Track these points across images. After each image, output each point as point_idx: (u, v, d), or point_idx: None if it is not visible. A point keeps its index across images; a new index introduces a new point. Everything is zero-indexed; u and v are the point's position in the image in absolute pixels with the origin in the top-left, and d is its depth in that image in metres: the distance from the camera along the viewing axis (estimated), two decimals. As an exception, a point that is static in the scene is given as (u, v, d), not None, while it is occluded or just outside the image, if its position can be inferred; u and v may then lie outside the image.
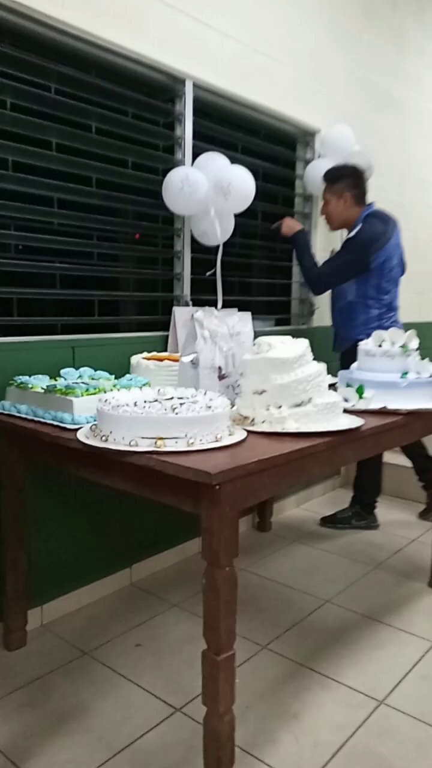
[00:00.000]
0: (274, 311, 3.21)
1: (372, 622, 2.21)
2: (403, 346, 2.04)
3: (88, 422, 1.63)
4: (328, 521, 3.09)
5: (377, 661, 1.98)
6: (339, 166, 2.83)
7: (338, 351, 2.92)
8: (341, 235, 3.15)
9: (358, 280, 2.73)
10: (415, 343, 2.08)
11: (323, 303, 3.36)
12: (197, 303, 2.53)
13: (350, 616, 2.25)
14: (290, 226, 2.82)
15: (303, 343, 1.67)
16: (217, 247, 2.44)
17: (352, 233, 2.73)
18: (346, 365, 2.60)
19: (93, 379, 1.91)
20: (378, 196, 3.36)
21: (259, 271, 3.22)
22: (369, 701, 1.78)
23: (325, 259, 2.86)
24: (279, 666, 1.94)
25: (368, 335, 2.69)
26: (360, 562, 2.69)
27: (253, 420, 1.62)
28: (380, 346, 2.07)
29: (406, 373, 2.00)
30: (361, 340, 2.72)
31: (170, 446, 1.38)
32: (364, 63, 3.49)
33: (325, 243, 3.24)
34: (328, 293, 2.92)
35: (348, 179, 2.76)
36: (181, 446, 1.39)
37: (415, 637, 2.11)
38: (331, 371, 2.09)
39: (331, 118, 3.16)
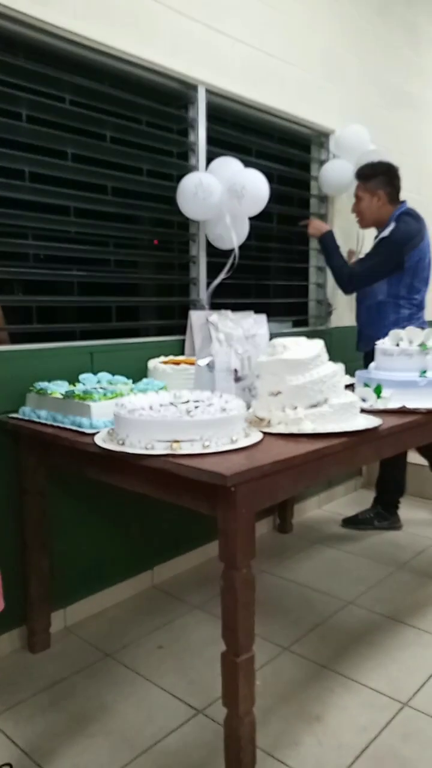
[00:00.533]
0: (292, 313, 3.21)
1: (395, 624, 2.19)
2: (421, 345, 2.03)
3: (105, 426, 1.65)
4: (349, 522, 3.07)
5: (401, 662, 1.96)
6: (373, 163, 2.79)
7: (363, 351, 2.89)
8: (359, 235, 3.13)
9: (391, 279, 2.72)
10: (432, 341, 2.06)
11: (341, 304, 3.35)
12: (214, 307, 2.54)
13: (373, 617, 2.23)
14: (317, 227, 2.84)
15: (318, 344, 1.67)
16: (232, 250, 2.45)
17: (387, 232, 2.70)
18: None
19: (111, 383, 1.94)
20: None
21: (276, 273, 3.22)
22: (393, 703, 1.76)
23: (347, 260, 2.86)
24: (301, 668, 1.94)
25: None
26: (382, 563, 2.67)
27: (269, 422, 1.62)
28: (398, 345, 2.06)
29: (425, 372, 1.98)
30: None
31: (186, 449, 1.39)
32: (378, 61, 3.47)
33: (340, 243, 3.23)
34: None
35: (382, 177, 2.74)
36: (197, 449, 1.40)
37: (439, 639, 2.09)
38: (349, 371, 2.09)
39: (345, 118, 3.15)
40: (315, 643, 2.07)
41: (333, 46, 3.11)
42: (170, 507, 2.43)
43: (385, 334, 2.69)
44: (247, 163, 2.41)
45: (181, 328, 2.48)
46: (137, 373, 2.21)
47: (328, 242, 2.80)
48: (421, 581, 2.51)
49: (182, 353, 2.44)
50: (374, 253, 2.73)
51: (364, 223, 2.86)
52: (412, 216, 2.74)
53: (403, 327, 2.54)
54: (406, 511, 3.16)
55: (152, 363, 2.17)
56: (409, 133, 3.80)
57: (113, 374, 2.02)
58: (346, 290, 2.84)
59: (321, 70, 3.05)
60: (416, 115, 3.88)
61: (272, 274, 3.21)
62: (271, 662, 1.95)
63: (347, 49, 3.21)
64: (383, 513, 3.04)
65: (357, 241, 3.18)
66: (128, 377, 2.01)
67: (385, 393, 1.90)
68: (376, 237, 2.81)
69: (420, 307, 2.80)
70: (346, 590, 2.43)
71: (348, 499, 3.51)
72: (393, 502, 3.05)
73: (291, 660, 1.98)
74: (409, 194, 3.46)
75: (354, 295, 2.96)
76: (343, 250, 3.08)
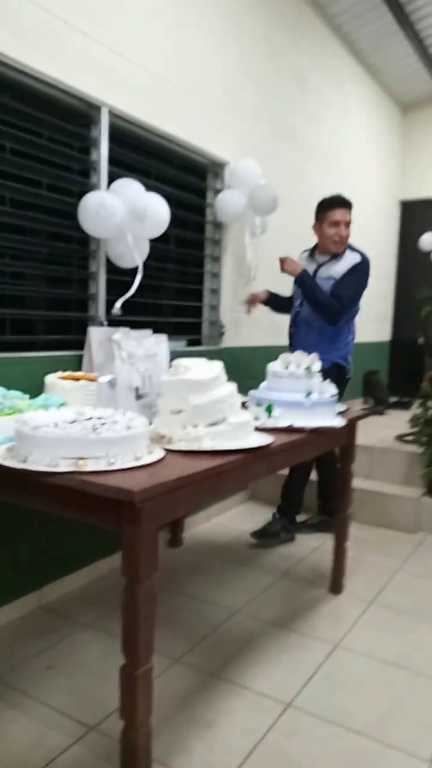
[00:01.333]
0: (186, 332, 3.31)
1: (279, 629, 2.33)
2: (307, 369, 2.20)
3: (2, 443, 1.62)
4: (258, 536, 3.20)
5: (284, 665, 2.09)
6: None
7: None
8: (251, 264, 3.32)
9: None
10: (317, 365, 2.25)
11: (232, 324, 3.51)
12: (112, 324, 2.57)
13: (259, 624, 2.36)
14: (293, 267, 2.98)
15: (218, 366, 1.77)
16: (135, 269, 2.50)
17: (355, 259, 2.95)
18: None
19: (5, 398, 1.90)
20: (279, 226, 3.59)
21: (171, 294, 3.31)
22: (277, 705, 1.88)
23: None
24: (192, 678, 2.00)
25: (346, 356, 3.00)
26: (267, 573, 2.82)
27: (170, 439, 1.69)
28: (287, 368, 2.22)
29: (310, 393, 2.16)
30: (341, 362, 3.02)
31: (91, 466, 1.42)
32: (271, 101, 3.72)
33: (230, 276, 3.39)
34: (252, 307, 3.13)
35: None
36: (102, 466, 1.43)
37: (318, 641, 2.25)
38: (241, 391, 2.21)
39: (240, 152, 3.34)
40: (205, 652, 2.15)
41: (231, 84, 3.30)
42: (57, 526, 2.42)
43: (337, 357, 3.00)
44: (146, 186, 2.48)
45: (79, 344, 2.48)
46: (32, 388, 2.18)
47: (306, 279, 2.97)
48: (302, 588, 2.69)
49: (80, 369, 2.44)
50: (352, 281, 2.94)
51: (342, 247, 3.02)
52: None
53: (349, 348, 2.90)
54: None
55: (50, 378, 2.15)
56: (296, 170, 4.10)
57: (8, 389, 1.98)
58: (335, 320, 2.95)
59: (219, 105, 3.22)
60: (302, 153, 4.19)
61: (167, 293, 3.30)
62: (163, 674, 2.00)
63: (243, 88, 3.42)
64: (288, 526, 3.20)
65: (250, 270, 3.37)
66: (24, 392, 1.98)
67: (275, 412, 2.05)
68: (321, 264, 3.03)
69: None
70: (234, 600, 2.54)
71: (236, 512, 3.65)
72: (293, 514, 3.24)
73: (182, 670, 2.04)
74: (295, 226, 3.73)
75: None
76: (235, 278, 3.25)
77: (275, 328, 3.96)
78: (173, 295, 3.30)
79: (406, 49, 4.94)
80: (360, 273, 2.97)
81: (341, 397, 2.56)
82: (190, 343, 3.30)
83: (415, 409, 3.58)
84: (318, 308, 2.95)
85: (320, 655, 2.16)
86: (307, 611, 2.48)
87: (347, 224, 3.00)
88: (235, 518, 3.54)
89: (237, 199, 3.18)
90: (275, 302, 3.32)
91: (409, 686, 2.00)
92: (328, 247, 3.02)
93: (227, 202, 3.19)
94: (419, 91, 5.77)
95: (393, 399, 5.41)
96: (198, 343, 3.40)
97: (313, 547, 3.14)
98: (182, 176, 3.11)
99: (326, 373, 2.86)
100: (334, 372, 2.92)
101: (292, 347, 3.07)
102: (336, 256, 3.01)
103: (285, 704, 1.88)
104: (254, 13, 3.47)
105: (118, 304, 2.48)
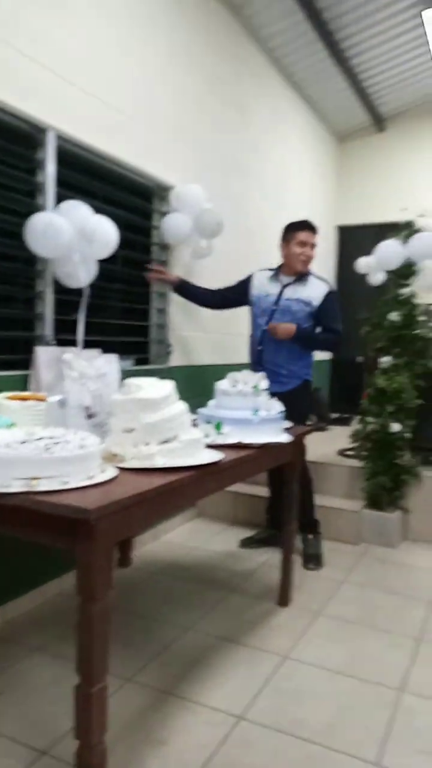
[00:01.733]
0: (133, 351, 3.33)
1: (229, 644, 2.36)
2: (254, 387, 2.28)
3: None
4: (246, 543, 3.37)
5: (236, 679, 2.12)
6: None
7: (279, 391, 2.92)
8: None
9: (317, 321, 3.13)
10: (264, 384, 2.33)
11: (181, 344, 3.57)
12: (59, 343, 2.57)
13: (210, 640, 2.38)
14: (286, 330, 3.03)
15: (169, 385, 1.81)
16: (81, 289, 2.52)
17: (331, 288, 3.17)
18: (297, 405, 2.87)
19: None
20: (224, 250, 3.69)
21: (118, 313, 3.33)
22: (229, 718, 1.91)
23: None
24: (145, 696, 2.00)
25: (310, 371, 3.17)
26: (216, 589, 2.85)
27: (122, 457, 1.71)
28: (235, 386, 2.29)
29: (257, 411, 2.23)
30: (309, 377, 3.16)
31: (44, 486, 1.42)
32: (214, 127, 3.84)
33: (178, 296, 3.45)
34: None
35: None
36: (55, 485, 1.44)
37: (268, 654, 2.30)
38: (190, 409, 2.25)
39: (186, 176, 3.43)
40: (157, 670, 2.16)
41: (176, 111, 3.40)
42: (1, 548, 2.37)
43: (305, 374, 3.15)
44: (94, 207, 2.52)
45: (24, 364, 2.47)
46: (-21, 408, 2.15)
47: (304, 334, 3.07)
48: (251, 602, 2.73)
49: (26, 389, 2.42)
50: (336, 310, 3.14)
51: (307, 267, 3.19)
52: None
53: (313, 361, 3.06)
54: (232, 537, 3.42)
55: (-3, 398, 2.13)
56: (238, 197, 4.23)
57: None
58: (339, 350, 3.32)
59: (165, 131, 3.31)
60: (245, 179, 4.34)
61: (114, 313, 3.32)
62: (115, 694, 1.99)
63: (188, 115, 3.52)
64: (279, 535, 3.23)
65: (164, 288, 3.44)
66: (-29, 413, 1.96)
67: (224, 429, 2.11)
68: (286, 285, 3.14)
69: None
70: (185, 618, 2.56)
71: (184, 530, 3.67)
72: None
73: (134, 689, 2.04)
74: (236, 250, 3.85)
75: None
76: (183, 299, 3.31)
77: (222, 347, 4.05)
78: (120, 314, 3.33)
79: (341, 83, 5.22)
80: (338, 301, 3.19)
81: (311, 409, 2.70)
82: (138, 362, 3.32)
83: (356, 425, 3.73)
84: (324, 347, 3.25)
85: (270, 667, 2.21)
86: (256, 625, 2.53)
87: (312, 246, 3.17)
88: (183, 535, 3.56)
89: (183, 222, 3.26)
90: (185, 290, 3.32)
91: (355, 693, 2.07)
92: (295, 266, 3.15)
93: (173, 224, 3.27)
94: (354, 123, 6.09)
95: (334, 415, 5.59)
96: (146, 362, 3.43)
97: (261, 562, 3.20)
98: (129, 198, 3.16)
99: (299, 390, 3.06)
100: (303, 388, 3.14)
101: (260, 365, 3.12)
102: (301, 279, 3.15)
103: (237, 717, 1.91)
104: (198, 43, 3.59)
105: (80, 327, 2.52)
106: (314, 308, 3.11)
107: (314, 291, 3.13)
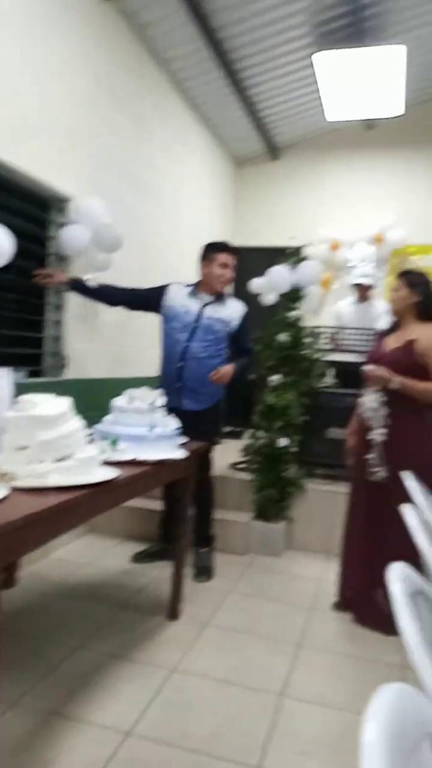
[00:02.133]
0: (26, 363, 3.25)
1: (119, 661, 2.36)
2: (150, 404, 2.32)
3: None
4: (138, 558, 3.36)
5: (124, 695, 2.13)
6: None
7: (198, 409, 3.07)
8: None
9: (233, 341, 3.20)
10: (160, 401, 2.38)
11: (78, 357, 3.52)
12: None
13: (99, 658, 2.37)
14: (226, 374, 3.05)
15: (66, 401, 1.81)
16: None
17: (245, 308, 3.24)
18: (214, 422, 3.06)
19: None
20: (122, 265, 3.72)
21: (9, 324, 3.24)
22: (117, 735, 1.91)
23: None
24: (32, 718, 1.96)
25: (221, 392, 3.17)
26: (106, 605, 2.84)
27: (14, 476, 1.68)
28: (131, 403, 2.32)
29: (153, 427, 2.27)
30: (221, 397, 3.21)
31: None
32: (114, 142, 3.87)
33: (77, 308, 3.42)
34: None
35: None
36: None
37: (157, 668, 2.33)
38: (86, 423, 2.25)
39: (85, 189, 3.43)
40: (45, 691, 2.11)
41: (75, 123, 3.39)
42: None
43: (221, 391, 3.20)
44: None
45: None
46: None
47: (237, 369, 3.13)
48: (141, 618, 2.75)
49: None
50: (248, 327, 3.23)
51: (226, 287, 3.24)
52: None
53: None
54: (128, 550, 3.42)
55: None
56: (135, 211, 4.27)
57: None
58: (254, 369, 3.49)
59: (63, 142, 3.28)
60: (144, 195, 4.39)
61: (5, 324, 3.22)
62: (0, 718, 1.93)
63: (87, 128, 3.52)
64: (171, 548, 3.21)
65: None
66: None
67: (120, 445, 2.13)
68: (206, 304, 3.15)
69: None
70: (75, 636, 2.52)
71: (75, 546, 3.61)
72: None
73: (21, 712, 1.98)
74: (134, 266, 3.88)
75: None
76: (83, 311, 3.28)
77: (121, 360, 4.05)
78: (12, 325, 3.24)
79: (239, 111, 5.45)
80: (249, 320, 3.29)
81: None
82: (32, 374, 3.24)
83: (247, 439, 3.88)
84: (248, 371, 3.35)
85: (158, 680, 2.24)
86: (145, 640, 2.55)
87: (233, 268, 3.24)
88: (74, 552, 3.50)
89: (81, 234, 3.25)
90: (84, 288, 3.22)
91: (239, 700, 2.16)
92: (215, 286, 3.20)
93: (71, 236, 3.24)
94: (250, 150, 6.37)
95: (227, 429, 5.75)
96: (39, 374, 3.36)
97: (153, 576, 3.22)
98: (24, 207, 3.10)
99: (215, 408, 3.18)
100: (218, 407, 3.26)
101: (180, 381, 3.13)
102: (220, 299, 3.21)
103: (125, 733, 1.93)
104: (99, 55, 3.61)
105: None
106: (233, 329, 3.20)
107: (233, 311, 3.22)
